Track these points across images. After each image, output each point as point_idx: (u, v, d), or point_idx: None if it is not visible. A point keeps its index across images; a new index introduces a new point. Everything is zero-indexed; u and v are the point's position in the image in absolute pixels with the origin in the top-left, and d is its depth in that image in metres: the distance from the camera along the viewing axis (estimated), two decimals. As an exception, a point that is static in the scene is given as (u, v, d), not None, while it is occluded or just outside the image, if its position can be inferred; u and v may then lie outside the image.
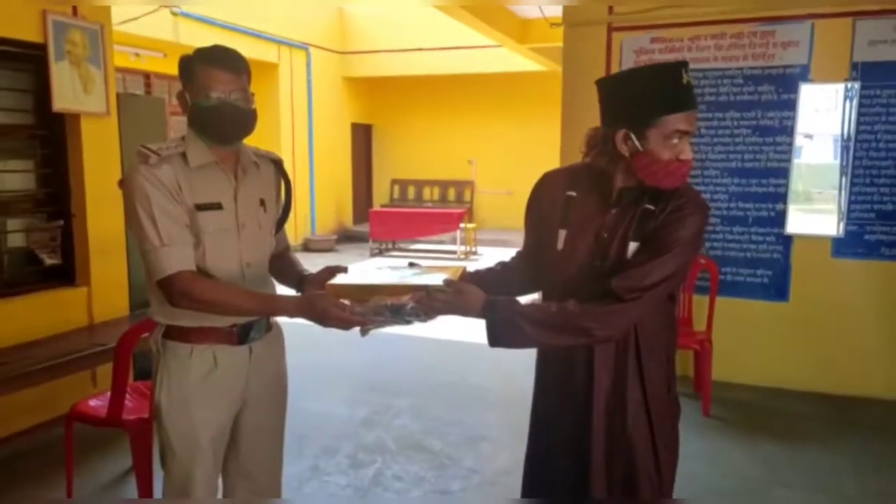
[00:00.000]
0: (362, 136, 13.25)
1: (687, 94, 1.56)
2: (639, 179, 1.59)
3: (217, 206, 1.81)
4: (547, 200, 1.77)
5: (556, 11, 5.55)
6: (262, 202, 1.93)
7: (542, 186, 1.82)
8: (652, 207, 1.59)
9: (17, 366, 3.13)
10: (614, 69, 4.41)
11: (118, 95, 4.15)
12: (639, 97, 1.56)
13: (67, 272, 3.94)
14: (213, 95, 1.74)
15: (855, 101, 4.11)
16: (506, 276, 1.86)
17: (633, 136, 1.55)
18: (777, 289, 4.33)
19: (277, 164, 2.02)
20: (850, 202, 4.19)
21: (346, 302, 1.67)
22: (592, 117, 1.72)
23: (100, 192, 3.89)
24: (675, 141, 1.54)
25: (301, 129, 10.92)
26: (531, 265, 1.82)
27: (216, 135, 1.79)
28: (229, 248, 1.84)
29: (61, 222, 3.89)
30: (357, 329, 1.68)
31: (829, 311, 4.24)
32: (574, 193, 1.71)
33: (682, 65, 1.56)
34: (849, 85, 4.12)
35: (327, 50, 11.48)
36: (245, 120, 1.80)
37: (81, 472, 3.11)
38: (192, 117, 1.78)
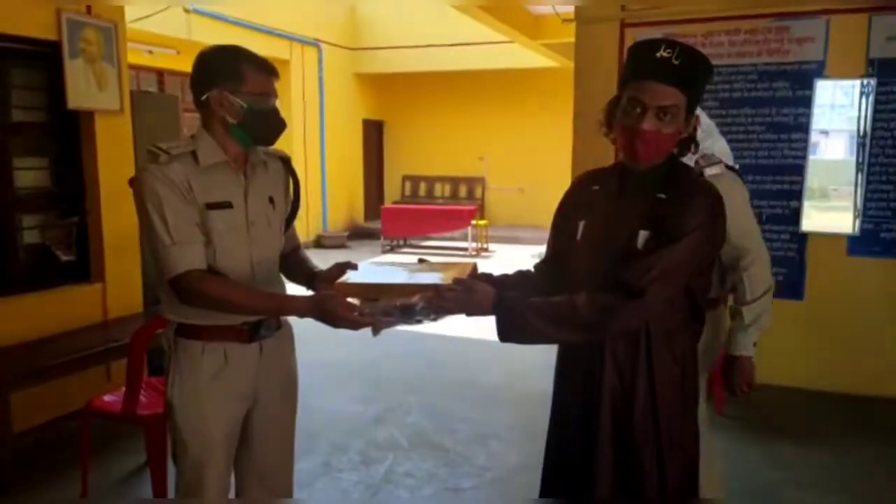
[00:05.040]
0: (374, 133, 13.26)
1: (649, 65, 1.54)
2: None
3: (227, 205, 1.81)
4: (573, 198, 1.80)
5: (568, 8, 5.53)
6: (272, 200, 1.94)
7: (570, 188, 1.84)
8: (663, 196, 1.57)
9: (33, 361, 3.17)
10: (627, 65, 4.39)
11: (132, 93, 4.18)
12: (624, 67, 1.64)
13: (82, 269, 3.97)
14: (271, 102, 1.81)
15: (871, 98, 4.06)
16: (522, 281, 1.83)
17: (614, 104, 1.62)
18: (792, 287, 4.29)
19: (285, 161, 2.03)
20: (865, 199, 4.14)
21: (356, 302, 1.67)
22: (599, 113, 1.72)
23: (114, 188, 3.92)
24: (637, 111, 1.54)
25: (313, 125, 10.95)
26: (550, 275, 1.80)
27: (261, 137, 1.85)
28: (239, 247, 1.84)
29: (76, 219, 3.93)
30: (368, 328, 1.68)
31: (844, 309, 4.20)
32: (598, 187, 1.73)
33: (663, 40, 1.56)
34: (865, 81, 4.07)
35: (339, 46, 11.49)
36: (285, 124, 1.89)
37: (96, 466, 3.14)
38: (244, 119, 1.78)
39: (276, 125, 1.85)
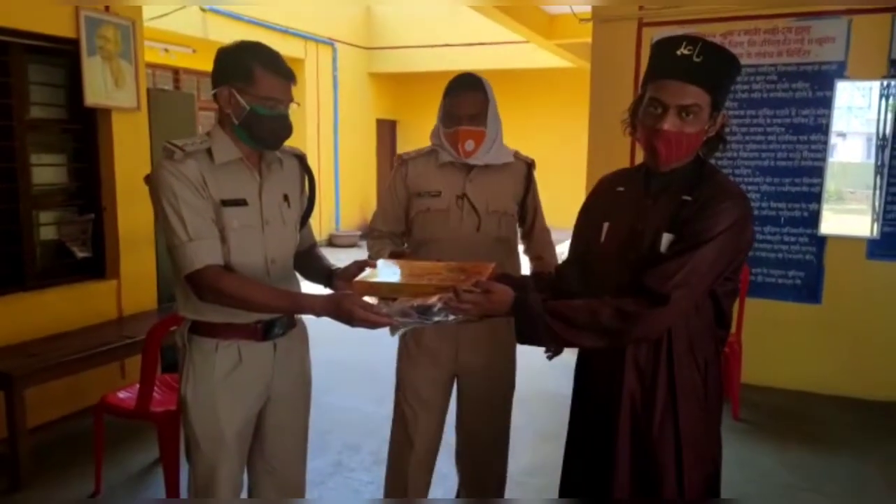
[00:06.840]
0: (387, 132, 13.26)
1: (670, 63, 1.51)
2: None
3: (242, 203, 1.81)
4: (597, 199, 1.77)
5: (585, 7, 5.49)
6: (286, 198, 1.93)
7: (595, 189, 1.81)
8: (689, 198, 1.54)
9: (47, 357, 3.18)
10: (644, 66, 4.35)
11: (148, 90, 4.19)
12: (647, 66, 1.61)
13: (97, 265, 3.99)
14: (279, 108, 1.76)
15: (892, 100, 4.00)
16: (542, 283, 1.81)
17: (637, 105, 1.59)
18: (809, 290, 4.24)
19: (301, 159, 2.02)
20: (885, 202, 4.08)
21: (373, 301, 1.65)
22: (621, 114, 1.70)
23: (130, 186, 3.93)
24: (658, 111, 1.52)
25: (326, 124, 10.97)
26: (572, 276, 1.78)
27: (262, 141, 1.81)
28: (254, 245, 1.84)
29: (92, 216, 3.95)
30: (385, 327, 1.66)
31: (862, 313, 4.14)
32: (623, 188, 1.70)
33: (685, 37, 1.52)
34: (886, 83, 4.02)
35: (353, 46, 11.50)
36: (291, 130, 1.84)
37: (110, 462, 3.15)
38: (245, 121, 1.75)
39: (278, 132, 1.79)
